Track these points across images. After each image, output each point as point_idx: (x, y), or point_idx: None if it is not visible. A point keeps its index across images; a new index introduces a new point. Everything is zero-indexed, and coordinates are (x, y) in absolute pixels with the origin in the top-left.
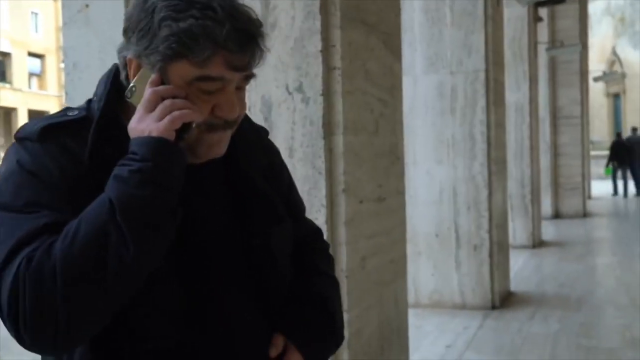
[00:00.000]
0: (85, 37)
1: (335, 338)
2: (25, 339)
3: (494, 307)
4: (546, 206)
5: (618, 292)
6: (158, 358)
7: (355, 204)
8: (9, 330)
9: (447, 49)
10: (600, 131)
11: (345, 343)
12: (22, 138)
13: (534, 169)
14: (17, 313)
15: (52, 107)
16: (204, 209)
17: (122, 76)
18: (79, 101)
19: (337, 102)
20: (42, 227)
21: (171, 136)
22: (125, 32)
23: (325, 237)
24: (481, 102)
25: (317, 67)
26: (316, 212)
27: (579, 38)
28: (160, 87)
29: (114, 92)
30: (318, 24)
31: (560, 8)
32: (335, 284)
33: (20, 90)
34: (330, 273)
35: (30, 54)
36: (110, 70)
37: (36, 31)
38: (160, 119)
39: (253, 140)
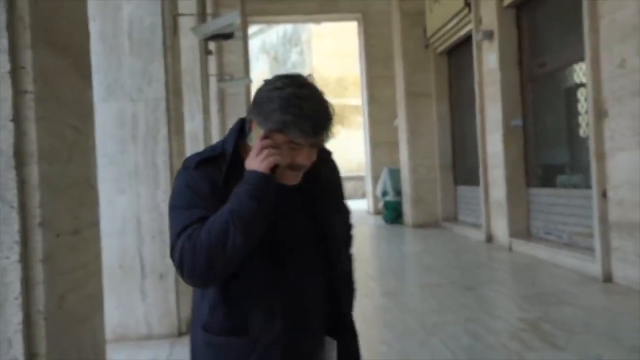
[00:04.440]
0: None
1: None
2: (185, 279)
3: (180, 334)
4: None
5: None
6: (251, 294)
7: (52, 238)
8: (178, 274)
9: (127, 77)
10: None
11: None
12: (186, 167)
13: None
14: (183, 265)
15: None
16: (289, 211)
17: (247, 128)
18: None
19: (30, 129)
20: (196, 219)
21: (267, 171)
22: (252, 103)
23: (19, 276)
24: (163, 130)
25: (5, 90)
26: (7, 250)
27: (244, 72)
28: (264, 141)
29: (240, 138)
30: (5, 42)
31: (226, 43)
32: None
33: None
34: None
35: None
36: (237, 124)
37: None
38: (262, 161)
39: (324, 162)
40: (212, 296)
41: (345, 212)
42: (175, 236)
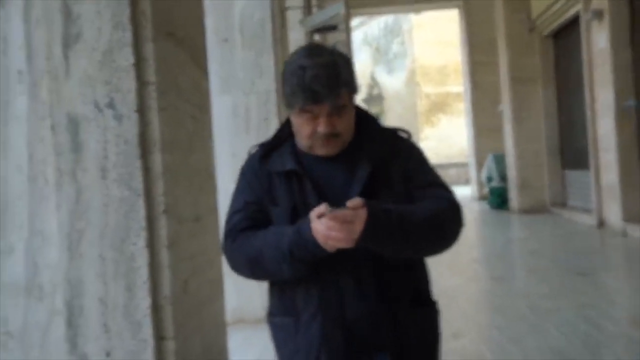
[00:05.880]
0: None
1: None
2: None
3: None
4: None
5: None
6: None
7: (176, 225)
8: None
9: (239, 70)
10: None
11: None
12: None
13: None
14: (226, 256)
15: None
16: (333, 180)
17: None
18: None
19: (153, 119)
20: (242, 205)
21: (326, 249)
22: None
23: (146, 261)
24: (273, 121)
25: (130, 82)
26: (135, 236)
27: None
28: (344, 217)
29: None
30: (128, 35)
31: (330, 35)
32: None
33: None
34: (444, 206)
35: None
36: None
37: None
38: (326, 240)
39: (377, 141)
40: (270, 282)
41: (394, 190)
42: (228, 219)
